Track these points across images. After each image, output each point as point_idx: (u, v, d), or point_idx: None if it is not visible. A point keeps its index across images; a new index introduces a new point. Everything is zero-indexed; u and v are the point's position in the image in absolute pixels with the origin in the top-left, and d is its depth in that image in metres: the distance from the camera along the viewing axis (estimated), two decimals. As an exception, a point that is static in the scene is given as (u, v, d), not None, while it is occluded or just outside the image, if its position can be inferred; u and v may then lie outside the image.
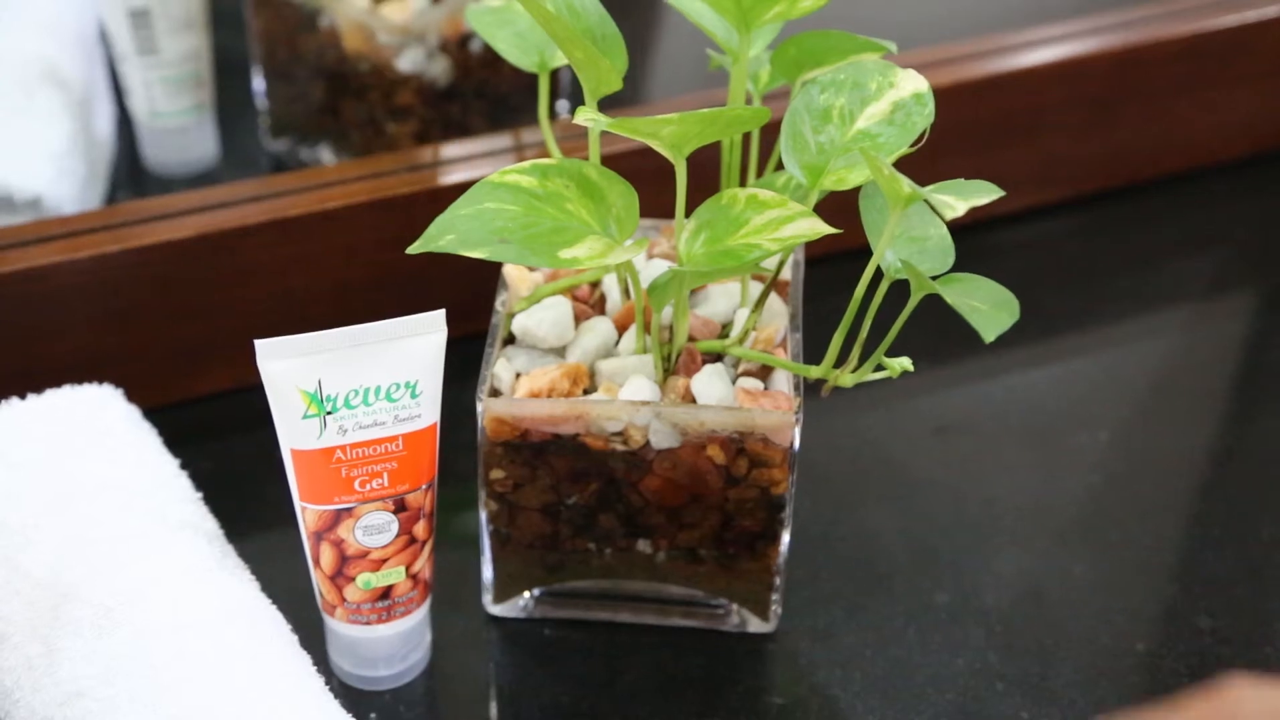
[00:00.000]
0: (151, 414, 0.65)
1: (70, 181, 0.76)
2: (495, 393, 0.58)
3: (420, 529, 0.57)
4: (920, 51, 0.81)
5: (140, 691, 0.52)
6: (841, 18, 0.63)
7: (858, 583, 0.66)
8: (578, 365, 0.58)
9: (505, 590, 0.62)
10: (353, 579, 0.56)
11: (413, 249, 0.51)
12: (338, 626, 0.58)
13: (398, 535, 0.56)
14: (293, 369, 0.53)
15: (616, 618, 0.63)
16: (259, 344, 0.53)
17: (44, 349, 0.69)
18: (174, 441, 0.64)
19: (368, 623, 0.57)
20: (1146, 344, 0.82)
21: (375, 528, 0.55)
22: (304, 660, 0.55)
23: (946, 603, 0.65)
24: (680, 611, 0.63)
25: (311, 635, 0.58)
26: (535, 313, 0.60)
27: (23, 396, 0.63)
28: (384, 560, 0.56)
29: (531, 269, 0.62)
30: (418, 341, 0.54)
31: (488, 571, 0.62)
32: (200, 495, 0.61)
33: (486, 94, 0.82)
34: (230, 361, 0.73)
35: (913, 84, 0.56)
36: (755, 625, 0.63)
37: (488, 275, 0.64)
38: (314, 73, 0.81)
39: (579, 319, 0.60)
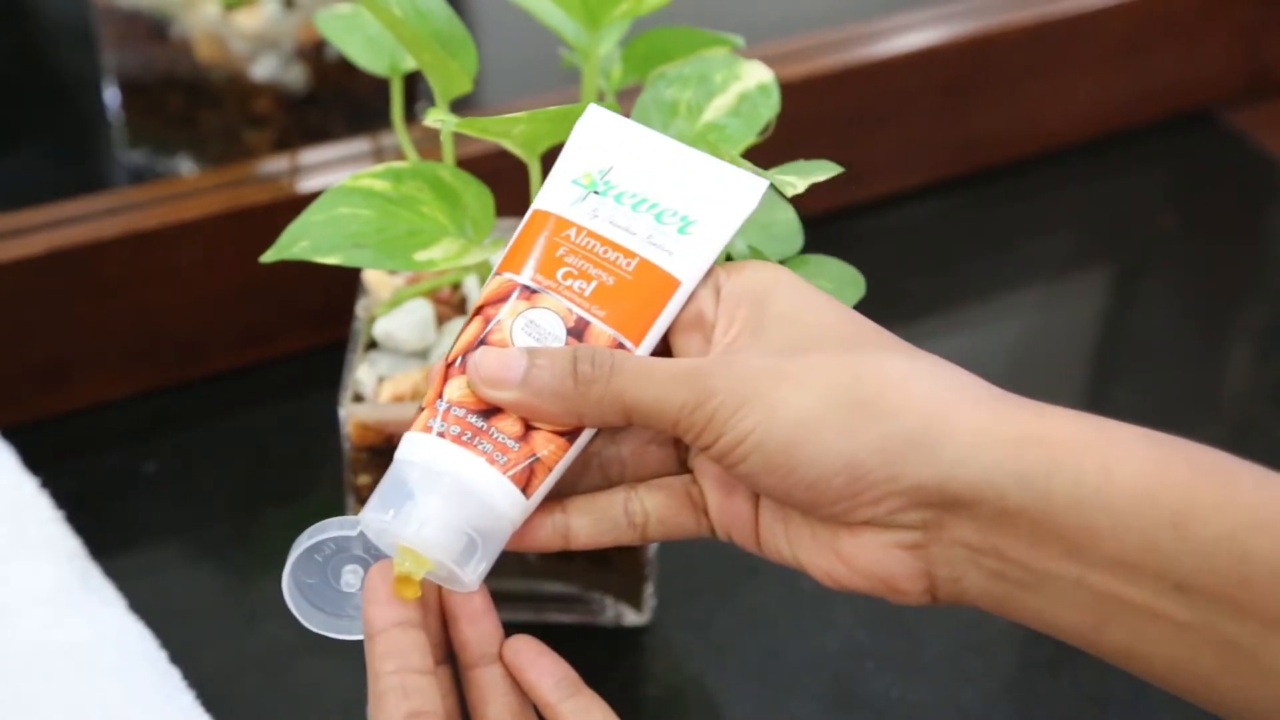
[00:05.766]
0: (9, 433, 0.64)
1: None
2: (358, 398, 0.58)
3: None
4: (772, 44, 0.82)
5: (7, 716, 0.51)
6: (693, 14, 0.64)
7: (729, 570, 0.66)
8: (440, 367, 0.58)
9: (378, 595, 0.62)
10: (465, 373, 0.45)
11: (266, 257, 0.51)
12: (408, 444, 0.45)
13: None
14: (597, 155, 0.48)
15: (492, 617, 0.63)
16: (592, 108, 0.48)
17: (-104, 373, 0.67)
18: (34, 460, 0.63)
19: (441, 433, 0.44)
20: (1005, 323, 0.84)
21: (538, 332, 0.45)
22: (174, 675, 0.55)
23: (814, 586, 0.66)
24: (555, 607, 0.63)
25: (179, 651, 0.57)
26: (396, 316, 0.60)
27: (-126, 422, 0.62)
28: None
29: (392, 273, 0.62)
30: (723, 189, 0.48)
31: (360, 577, 0.62)
32: (62, 514, 0.60)
33: (345, 99, 0.81)
34: (91, 379, 0.72)
35: (757, 76, 0.57)
36: (631, 618, 0.63)
37: (355, 283, 0.64)
38: (168, 83, 0.80)
39: (441, 321, 0.60)
